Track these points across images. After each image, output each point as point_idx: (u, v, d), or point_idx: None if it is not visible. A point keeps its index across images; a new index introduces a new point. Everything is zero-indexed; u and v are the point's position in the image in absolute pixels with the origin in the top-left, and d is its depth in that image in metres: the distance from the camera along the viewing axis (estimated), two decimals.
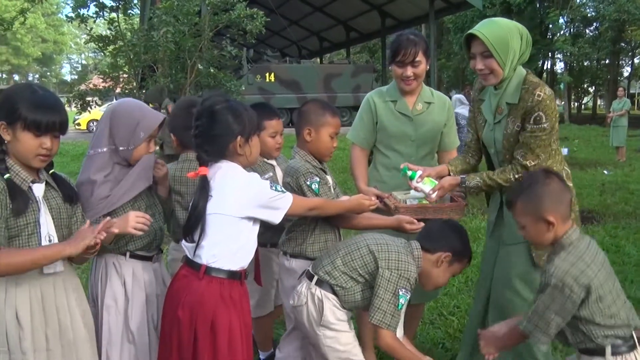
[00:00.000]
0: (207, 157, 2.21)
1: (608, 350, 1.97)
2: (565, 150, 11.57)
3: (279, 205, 2.22)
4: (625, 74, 42.29)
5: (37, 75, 63.70)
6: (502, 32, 2.51)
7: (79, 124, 25.03)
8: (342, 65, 23.81)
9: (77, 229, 2.14)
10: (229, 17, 8.41)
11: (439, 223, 2.61)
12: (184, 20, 8.02)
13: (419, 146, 3.12)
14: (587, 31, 33.71)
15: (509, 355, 2.62)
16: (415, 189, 2.75)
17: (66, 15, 11.30)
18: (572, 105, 40.34)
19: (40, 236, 2.01)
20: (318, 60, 30.36)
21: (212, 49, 8.95)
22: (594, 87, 44.41)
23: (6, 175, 1.95)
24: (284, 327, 2.94)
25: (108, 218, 2.09)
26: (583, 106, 48.46)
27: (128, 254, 2.38)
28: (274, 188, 2.22)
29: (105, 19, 9.09)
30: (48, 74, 66.64)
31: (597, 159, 13.57)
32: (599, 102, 46.39)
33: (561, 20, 26.21)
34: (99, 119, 2.48)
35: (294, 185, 2.57)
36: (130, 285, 2.37)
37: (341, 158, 11.36)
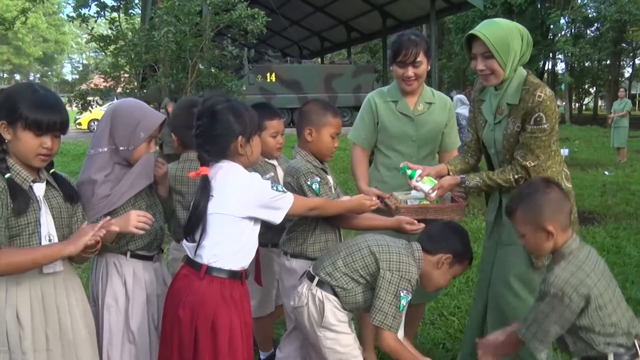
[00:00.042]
0: (209, 157, 2.21)
1: (610, 358, 1.97)
2: (566, 151, 11.56)
3: (280, 205, 2.22)
4: (627, 75, 42.27)
5: (38, 75, 63.75)
6: (503, 33, 2.51)
7: (80, 124, 25.06)
8: (343, 66, 23.82)
9: (77, 229, 2.14)
10: (230, 17, 8.41)
11: (440, 225, 2.61)
12: (185, 20, 8.02)
13: (420, 146, 3.12)
14: (588, 32, 33.71)
15: None
16: (415, 188, 2.75)
17: (67, 15, 11.30)
18: (573, 106, 40.37)
19: (41, 236, 2.01)
20: (319, 60, 30.35)
21: (213, 49, 8.95)
22: (595, 88, 44.41)
23: (7, 175, 1.95)
24: (285, 327, 2.94)
25: (108, 218, 2.08)
26: (584, 107, 48.45)
27: (129, 253, 2.38)
28: (275, 188, 2.22)
29: (106, 19, 9.09)
30: (49, 73, 66.69)
31: (598, 159, 13.57)
32: (600, 102, 46.38)
33: (562, 21, 26.21)
34: (99, 118, 2.48)
35: (295, 185, 2.57)
36: (131, 285, 2.37)
37: (342, 158, 11.37)
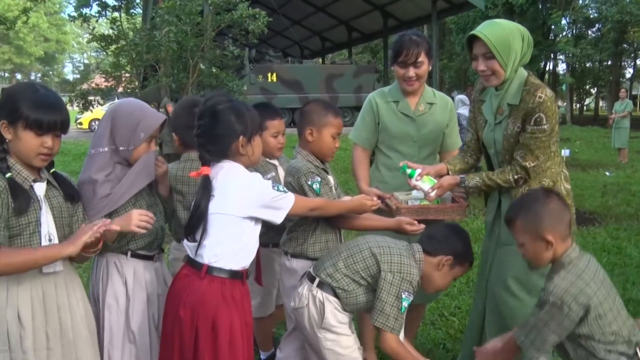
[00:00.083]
0: (210, 156, 2.21)
1: None
2: (567, 152, 11.51)
3: (281, 205, 2.22)
4: (628, 76, 42.22)
5: (39, 75, 63.79)
6: (504, 34, 2.51)
7: (81, 123, 25.08)
8: (344, 66, 23.84)
9: (78, 228, 2.14)
10: (231, 17, 8.40)
11: (441, 226, 2.61)
12: (187, 20, 8.01)
13: (421, 147, 3.12)
14: (590, 32, 33.67)
15: None
16: (415, 187, 2.75)
17: (69, 15, 11.29)
18: (574, 107, 40.33)
19: (41, 235, 2.01)
20: (320, 60, 30.36)
21: (215, 48, 8.94)
22: (596, 89, 44.35)
23: (8, 175, 1.95)
24: (285, 327, 2.94)
25: (108, 220, 2.08)
26: (585, 107, 48.38)
27: (129, 253, 2.38)
28: (276, 188, 2.22)
29: (107, 19, 9.07)
30: (50, 73, 66.74)
31: (599, 160, 13.56)
32: (601, 103, 46.32)
33: (563, 22, 26.20)
34: (100, 118, 2.48)
35: (295, 185, 2.57)
36: (131, 285, 2.37)
37: (343, 158, 11.37)
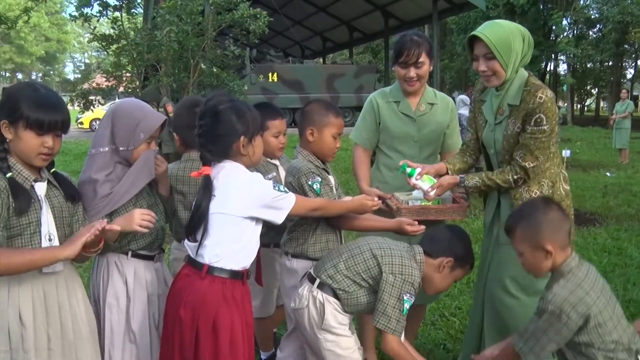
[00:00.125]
0: (211, 156, 2.21)
1: None
2: (568, 152, 11.49)
3: (281, 206, 2.22)
4: (629, 76, 42.14)
5: (40, 74, 63.77)
6: (504, 34, 2.52)
7: (81, 123, 25.07)
8: (345, 66, 23.83)
9: (78, 228, 2.15)
10: (232, 16, 8.39)
11: (442, 228, 2.61)
12: (188, 20, 8.00)
13: (422, 147, 3.12)
14: (591, 33, 33.63)
15: None
16: (414, 186, 2.75)
17: (70, 14, 11.29)
18: (575, 107, 40.32)
19: (41, 235, 2.01)
20: (321, 60, 30.35)
21: (215, 48, 8.93)
22: (597, 89, 44.30)
23: (8, 174, 1.95)
24: (286, 328, 2.93)
25: (105, 220, 2.06)
26: (586, 108, 48.35)
27: (130, 253, 2.38)
28: (277, 188, 2.22)
29: (108, 18, 9.06)
30: (51, 72, 66.74)
31: (600, 161, 13.56)
32: (602, 104, 46.28)
33: (564, 22, 26.19)
34: (101, 117, 2.48)
35: (296, 185, 2.56)
36: (131, 285, 2.37)
37: (344, 158, 11.37)
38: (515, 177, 2.58)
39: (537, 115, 2.50)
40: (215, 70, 8.98)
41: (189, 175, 2.60)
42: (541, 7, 27.75)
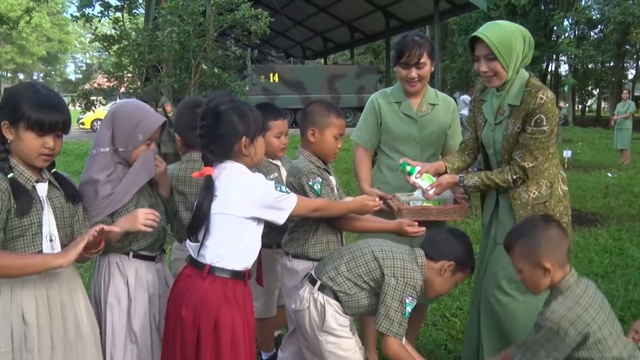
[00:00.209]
0: (212, 157, 2.21)
1: None
2: (569, 153, 11.54)
3: (283, 206, 2.23)
4: (630, 77, 42.09)
5: (41, 74, 63.83)
6: (505, 35, 2.52)
7: (83, 123, 25.07)
8: (346, 66, 23.83)
9: (78, 228, 2.15)
10: (233, 17, 8.39)
11: (444, 231, 2.61)
12: (189, 20, 8.00)
13: (423, 148, 3.12)
14: (592, 34, 33.62)
15: None
16: (413, 184, 2.76)
17: (71, 15, 11.31)
18: (576, 108, 40.27)
19: (42, 236, 2.01)
20: (322, 61, 30.36)
21: (217, 49, 8.93)
22: (598, 90, 44.25)
23: (10, 175, 1.95)
24: (287, 328, 2.94)
25: (101, 226, 2.04)
26: (587, 109, 48.30)
27: (131, 253, 2.38)
28: (278, 189, 2.22)
29: (110, 19, 9.06)
30: (53, 73, 66.78)
31: (601, 161, 13.55)
32: (603, 104, 46.23)
33: (566, 23, 26.12)
34: (103, 118, 2.48)
35: (297, 185, 2.57)
36: (133, 285, 2.37)
37: (345, 159, 11.36)
38: (514, 177, 2.59)
39: (537, 116, 2.51)
40: (216, 70, 8.98)
41: (190, 175, 2.60)
42: (542, 7, 27.71)
